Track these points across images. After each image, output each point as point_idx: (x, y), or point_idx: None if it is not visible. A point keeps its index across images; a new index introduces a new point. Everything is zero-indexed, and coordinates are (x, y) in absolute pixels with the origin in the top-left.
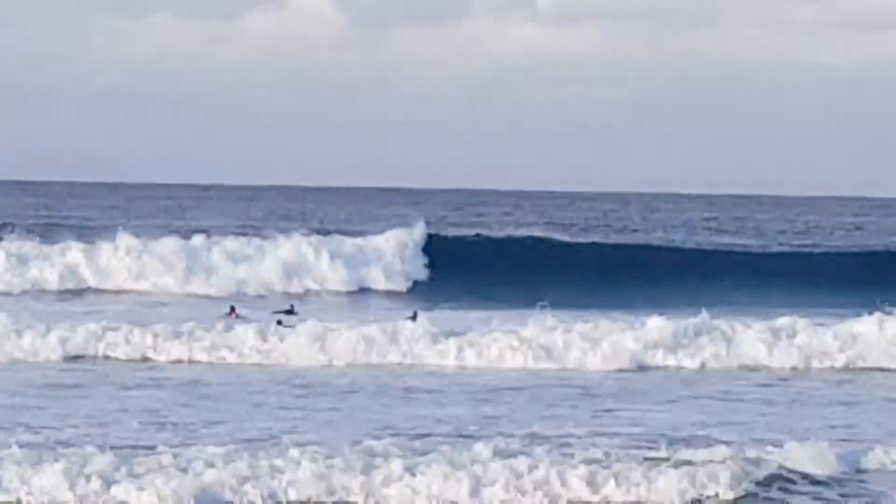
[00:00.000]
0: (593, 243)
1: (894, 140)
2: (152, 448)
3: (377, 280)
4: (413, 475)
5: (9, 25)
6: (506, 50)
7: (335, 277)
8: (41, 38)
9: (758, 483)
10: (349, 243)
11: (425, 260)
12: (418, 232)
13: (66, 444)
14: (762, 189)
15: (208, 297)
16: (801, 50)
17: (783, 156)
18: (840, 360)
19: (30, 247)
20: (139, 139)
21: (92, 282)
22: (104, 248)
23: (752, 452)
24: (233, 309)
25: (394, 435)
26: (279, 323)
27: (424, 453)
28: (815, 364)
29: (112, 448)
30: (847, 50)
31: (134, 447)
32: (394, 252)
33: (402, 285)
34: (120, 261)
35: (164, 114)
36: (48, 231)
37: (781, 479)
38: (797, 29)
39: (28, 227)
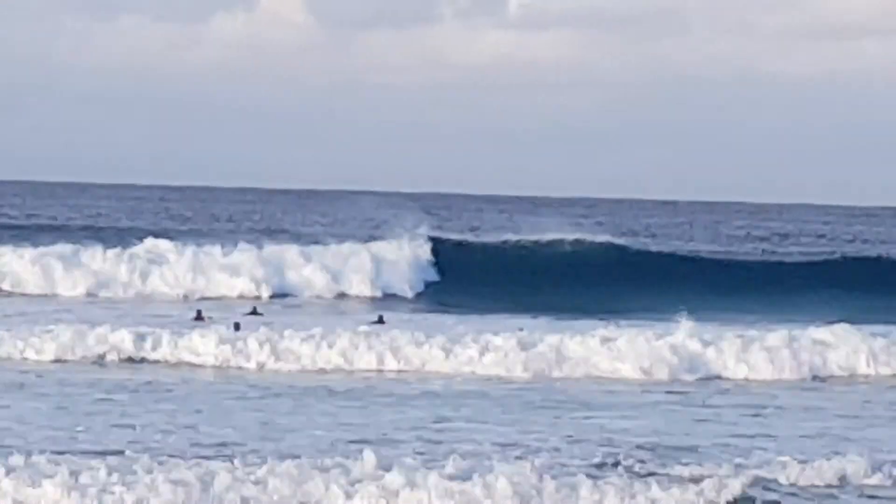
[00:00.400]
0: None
1: (863, 147)
2: (109, 454)
3: (377, 286)
4: (379, 483)
5: None
6: (475, 55)
7: (330, 283)
8: (7, 39)
9: (733, 494)
10: (344, 249)
11: (430, 266)
12: (422, 237)
13: (22, 450)
14: (731, 195)
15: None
16: (770, 57)
17: (751, 162)
18: (808, 369)
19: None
20: (107, 141)
21: (61, 284)
22: (77, 251)
23: (722, 462)
24: (200, 313)
25: (356, 442)
26: (236, 327)
27: (387, 460)
28: (787, 373)
29: (67, 454)
30: (817, 58)
31: (90, 452)
32: (397, 257)
33: (406, 292)
34: (97, 263)
35: (132, 116)
36: (20, 231)
37: (754, 490)
38: (768, 36)
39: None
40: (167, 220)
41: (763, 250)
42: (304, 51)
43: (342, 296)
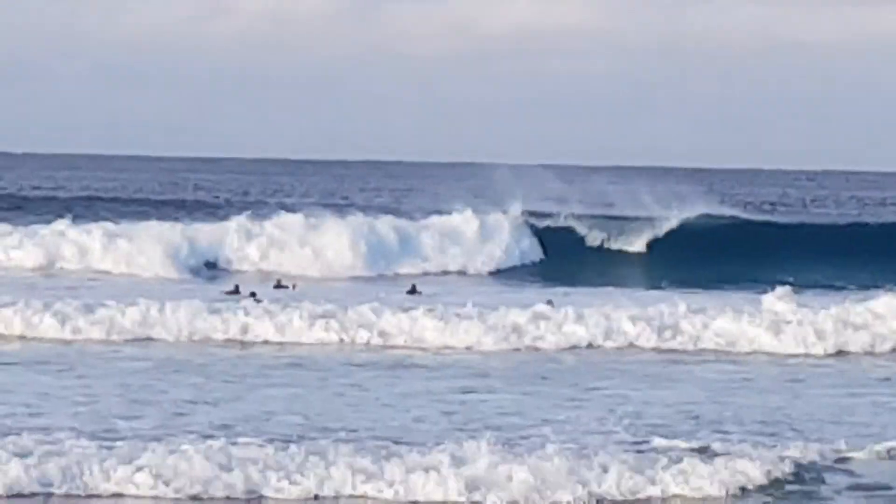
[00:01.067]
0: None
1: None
2: (131, 434)
3: (485, 260)
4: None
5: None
6: (498, 22)
7: (435, 259)
8: (33, 11)
9: (782, 473)
10: (451, 222)
11: (513, 242)
12: (510, 212)
13: (45, 429)
14: (758, 162)
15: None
16: (794, 23)
17: (774, 129)
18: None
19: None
20: (133, 112)
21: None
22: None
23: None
24: (237, 287)
25: (383, 421)
26: (253, 295)
27: (414, 444)
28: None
29: (87, 435)
30: (840, 24)
31: (111, 431)
32: (475, 233)
33: (486, 268)
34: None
35: (157, 87)
36: (65, 205)
37: (799, 468)
38: (794, 1)
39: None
40: (197, 192)
41: None
42: (329, 20)
43: (444, 272)
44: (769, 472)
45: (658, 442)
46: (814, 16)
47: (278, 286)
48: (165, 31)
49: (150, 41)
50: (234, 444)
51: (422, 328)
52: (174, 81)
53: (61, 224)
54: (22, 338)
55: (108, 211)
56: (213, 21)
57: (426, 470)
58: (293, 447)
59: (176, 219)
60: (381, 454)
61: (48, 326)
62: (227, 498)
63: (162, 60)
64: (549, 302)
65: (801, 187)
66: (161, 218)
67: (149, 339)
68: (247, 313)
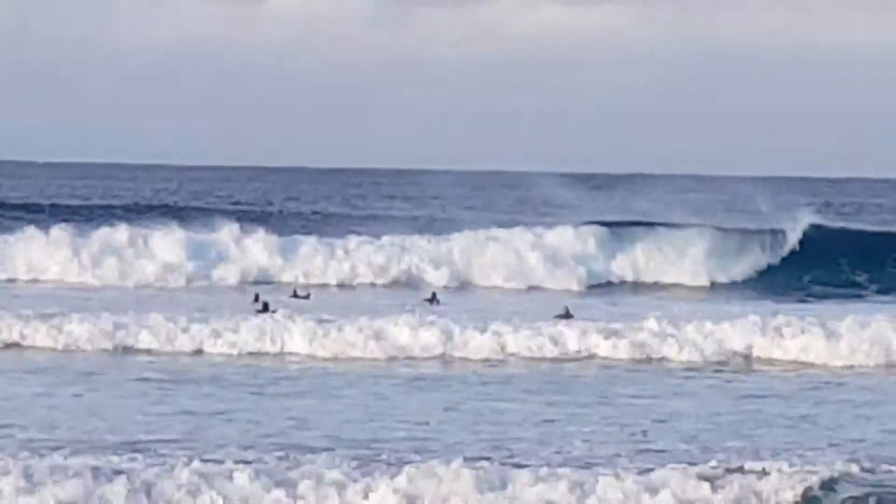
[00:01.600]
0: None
1: None
2: (150, 450)
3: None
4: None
5: (31, 9)
6: (531, 31)
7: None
8: (64, 21)
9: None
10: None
11: (601, 256)
12: (596, 227)
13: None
14: (786, 170)
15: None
16: (827, 29)
17: (803, 138)
18: None
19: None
20: (164, 122)
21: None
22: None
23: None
24: (257, 297)
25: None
26: (265, 308)
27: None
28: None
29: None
30: (874, 30)
31: (131, 444)
32: (565, 247)
33: (573, 284)
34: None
35: (188, 97)
36: (99, 214)
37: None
38: (825, 7)
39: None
40: (219, 201)
41: None
42: (362, 27)
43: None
44: (801, 487)
45: (684, 457)
46: (849, 20)
47: (294, 296)
48: (197, 40)
49: (183, 51)
50: (255, 460)
51: (428, 338)
52: (207, 90)
53: (109, 231)
54: (54, 350)
55: (129, 219)
56: (242, 30)
57: (447, 479)
58: (307, 461)
59: (201, 228)
60: (398, 465)
61: (73, 338)
62: None
63: (191, 71)
64: (566, 309)
65: (824, 194)
66: (184, 226)
67: (168, 351)
68: (259, 324)
